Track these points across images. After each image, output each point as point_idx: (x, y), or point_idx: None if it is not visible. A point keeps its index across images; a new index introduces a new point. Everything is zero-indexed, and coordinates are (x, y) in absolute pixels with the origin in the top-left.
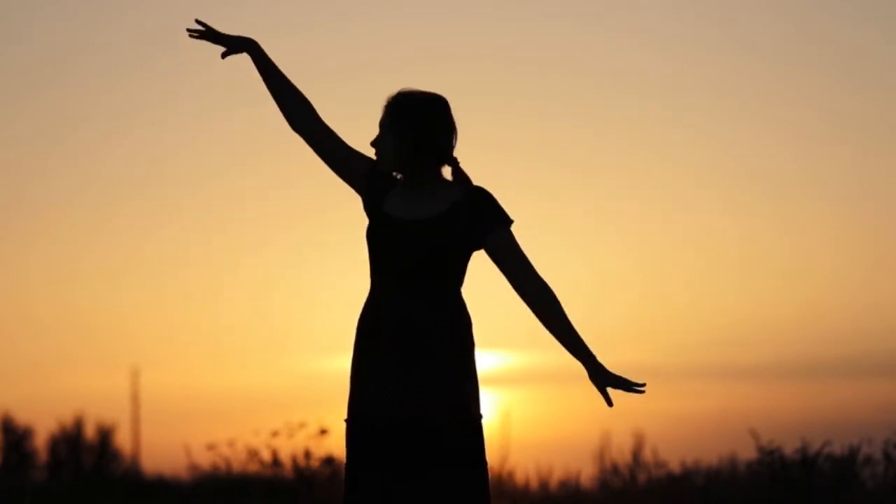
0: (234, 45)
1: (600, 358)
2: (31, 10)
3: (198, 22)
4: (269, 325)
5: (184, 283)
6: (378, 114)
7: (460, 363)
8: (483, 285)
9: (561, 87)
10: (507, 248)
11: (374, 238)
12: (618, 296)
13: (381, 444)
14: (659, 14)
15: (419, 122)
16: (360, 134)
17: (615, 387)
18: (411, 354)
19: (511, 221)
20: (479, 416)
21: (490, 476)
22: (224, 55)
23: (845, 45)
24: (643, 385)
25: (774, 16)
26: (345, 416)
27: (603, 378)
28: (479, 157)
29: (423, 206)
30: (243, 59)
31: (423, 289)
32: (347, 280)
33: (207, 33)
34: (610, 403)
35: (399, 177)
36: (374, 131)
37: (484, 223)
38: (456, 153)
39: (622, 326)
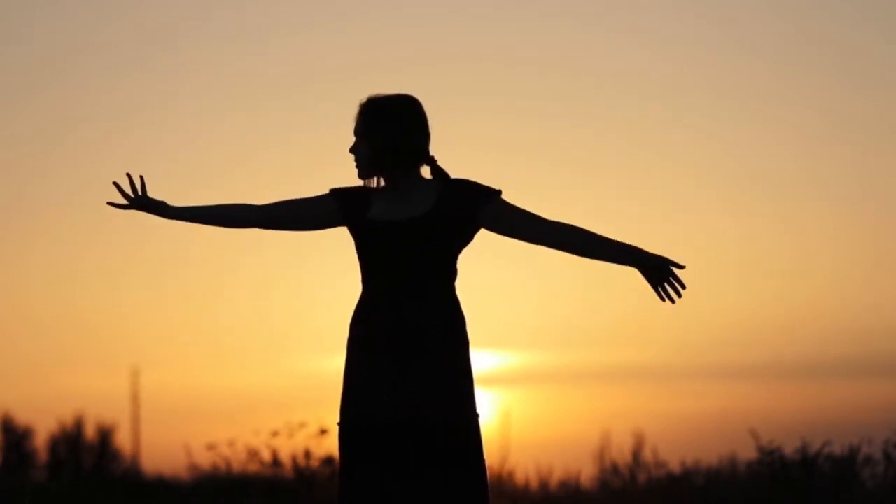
0: (145, 207)
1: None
2: (31, 10)
3: (127, 176)
4: (269, 325)
5: (184, 283)
6: None
7: (455, 362)
8: (483, 285)
9: (561, 87)
10: (509, 212)
11: (366, 244)
12: (618, 296)
13: (378, 444)
14: (659, 14)
15: (391, 124)
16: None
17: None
18: (404, 354)
19: (499, 191)
20: (476, 416)
21: (490, 476)
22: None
23: (845, 45)
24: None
25: (774, 16)
26: (338, 419)
27: (660, 273)
28: (479, 157)
29: (409, 206)
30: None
31: (415, 288)
32: (347, 280)
33: (129, 196)
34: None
35: (374, 184)
36: None
37: (475, 203)
38: (456, 153)
39: (622, 326)
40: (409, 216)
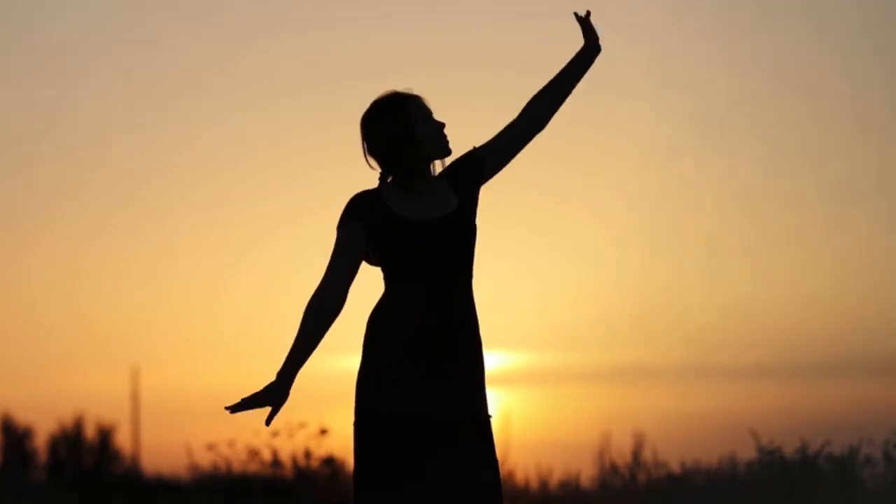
0: (270, 400)
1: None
2: (31, 10)
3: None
4: (270, 325)
5: (184, 283)
6: None
7: (471, 362)
8: (483, 285)
9: None
10: (490, 154)
11: (391, 241)
12: (618, 296)
13: (392, 443)
14: (659, 14)
15: (366, 136)
16: (358, 134)
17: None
18: (422, 354)
19: (474, 148)
20: (488, 415)
21: None
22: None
23: (845, 46)
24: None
25: (774, 15)
26: (352, 419)
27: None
28: None
29: (432, 204)
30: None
31: (442, 289)
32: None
33: (243, 406)
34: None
35: (380, 182)
36: None
37: (476, 178)
38: (457, 153)
39: (622, 326)
40: (437, 215)
